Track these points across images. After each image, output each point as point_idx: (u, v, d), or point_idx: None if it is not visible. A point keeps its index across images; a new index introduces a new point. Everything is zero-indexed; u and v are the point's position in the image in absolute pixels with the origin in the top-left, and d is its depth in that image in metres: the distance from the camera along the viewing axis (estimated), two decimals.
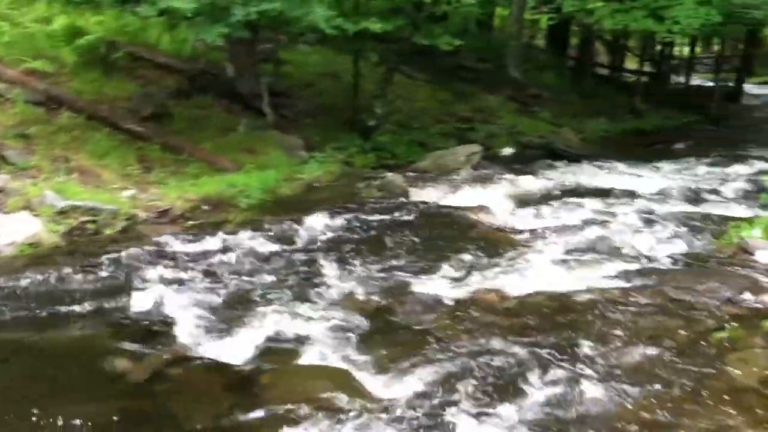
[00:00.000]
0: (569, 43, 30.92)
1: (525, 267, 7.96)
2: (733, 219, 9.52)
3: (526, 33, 28.02)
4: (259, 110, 13.61)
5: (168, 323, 6.43)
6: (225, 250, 8.35)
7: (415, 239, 8.91)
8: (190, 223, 9.48)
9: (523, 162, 15.76)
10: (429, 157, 14.66)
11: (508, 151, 17.16)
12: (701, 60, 41.63)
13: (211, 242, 8.68)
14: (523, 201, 11.60)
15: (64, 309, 6.70)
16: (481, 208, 10.38)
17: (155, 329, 6.31)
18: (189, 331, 6.24)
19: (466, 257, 8.29)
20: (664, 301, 6.59)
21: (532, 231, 9.62)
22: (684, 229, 9.45)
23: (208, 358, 5.83)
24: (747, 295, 6.66)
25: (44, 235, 8.22)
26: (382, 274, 7.68)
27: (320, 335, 6.19)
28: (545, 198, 11.82)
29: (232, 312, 6.62)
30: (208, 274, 7.61)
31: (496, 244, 8.80)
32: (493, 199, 11.30)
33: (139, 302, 6.85)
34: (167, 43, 14.66)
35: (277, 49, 16.63)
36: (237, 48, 13.82)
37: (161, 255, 8.18)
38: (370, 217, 9.82)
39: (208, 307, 6.71)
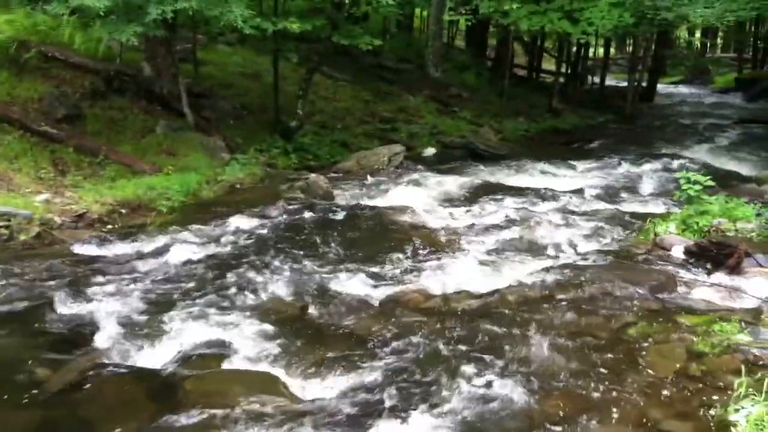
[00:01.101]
0: (488, 44, 31.36)
1: (448, 266, 8.02)
2: (649, 215, 9.76)
3: (446, 34, 28.28)
4: (178, 111, 13.39)
5: (88, 330, 6.24)
6: (145, 254, 8.21)
7: (339, 240, 8.88)
8: (108, 227, 9.29)
9: (445, 161, 15.92)
10: (352, 157, 14.68)
11: (430, 151, 17.31)
12: (616, 61, 42.81)
13: (131, 247, 8.53)
14: (446, 200, 11.71)
15: None
16: (405, 208, 10.42)
17: (74, 337, 6.12)
18: (109, 338, 6.08)
19: (390, 257, 8.31)
20: (584, 298, 6.71)
21: (455, 230, 9.70)
22: (602, 226, 9.67)
23: (130, 365, 5.70)
24: (663, 290, 6.83)
25: None
26: (305, 276, 7.63)
27: (244, 339, 6.11)
28: (467, 197, 11.95)
29: (154, 317, 6.47)
30: (128, 279, 7.43)
31: (420, 243, 8.84)
32: (416, 199, 11.37)
33: (57, 309, 6.65)
34: (81, 42, 14.27)
35: (196, 49, 16.41)
36: (154, 47, 13.57)
37: (79, 260, 7.99)
38: (294, 219, 9.77)
39: (128, 313, 6.55)
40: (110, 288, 7.14)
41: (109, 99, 13.22)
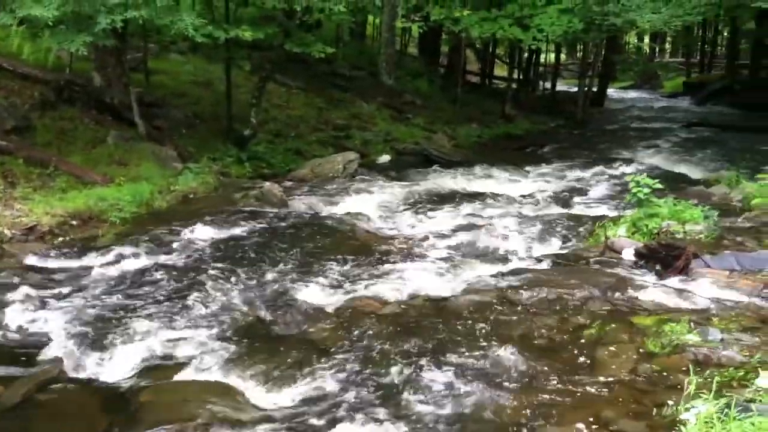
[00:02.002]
0: (440, 51, 31.58)
1: (404, 272, 8.05)
2: (600, 219, 9.90)
3: (399, 41, 28.40)
4: (129, 121, 13.25)
5: (40, 344, 6.17)
6: (97, 266, 8.11)
7: (295, 249, 8.87)
8: (60, 239, 9.15)
9: (399, 168, 15.98)
10: (306, 165, 14.67)
11: (384, 158, 17.38)
12: (567, 66, 43.43)
13: (83, 259, 8.44)
14: (401, 207, 11.75)
15: None
16: (360, 216, 10.46)
17: (27, 351, 6.05)
18: (62, 351, 6.01)
19: (347, 265, 8.32)
20: (538, 301, 6.80)
21: (410, 236, 9.76)
22: (554, 230, 9.79)
23: (83, 378, 5.64)
24: (615, 292, 6.94)
25: None
26: (261, 285, 7.61)
27: (199, 349, 6.08)
28: (422, 204, 12.01)
29: (108, 329, 6.40)
30: (81, 291, 7.36)
31: (376, 250, 8.88)
32: (371, 206, 11.42)
33: (8, 323, 6.56)
34: (29, 53, 14.06)
35: (147, 58, 16.27)
36: (104, 57, 13.43)
37: (30, 273, 7.89)
38: (248, 228, 9.73)
39: (81, 325, 6.47)
40: (62, 301, 7.07)
41: (59, 109, 13.04)
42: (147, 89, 15.36)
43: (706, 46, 39.87)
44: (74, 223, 9.61)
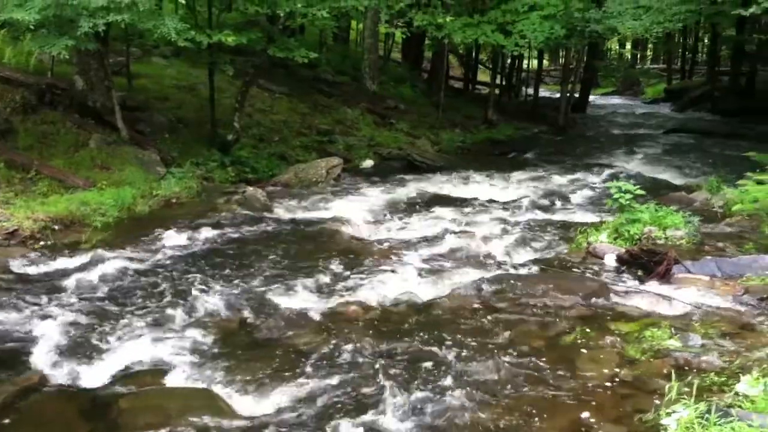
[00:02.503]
0: (424, 57, 31.65)
1: (387, 277, 8.06)
2: (582, 225, 9.97)
3: (383, 46, 28.44)
4: (112, 125, 13.18)
5: (21, 350, 6.11)
6: (79, 271, 8.05)
7: (278, 254, 8.86)
8: (42, 244, 9.08)
9: (383, 173, 15.99)
10: (290, 170, 14.65)
11: (368, 163, 17.38)
12: (549, 72, 43.65)
13: (65, 264, 8.38)
14: (384, 212, 11.76)
15: None
16: (343, 221, 10.46)
17: (7, 357, 5.99)
18: (43, 358, 5.97)
19: (330, 270, 8.31)
20: (520, 306, 6.83)
21: (393, 242, 9.77)
22: (537, 236, 9.84)
23: (64, 385, 5.59)
24: (596, 298, 6.99)
25: None
26: (244, 291, 7.59)
27: (181, 355, 6.05)
28: (405, 209, 12.04)
29: (89, 335, 6.37)
30: (63, 297, 7.30)
31: (359, 255, 8.88)
32: (354, 212, 11.41)
33: None
34: (11, 56, 13.98)
35: (130, 62, 16.20)
36: (86, 61, 13.35)
37: (11, 279, 7.83)
38: (232, 233, 9.72)
39: (63, 331, 6.43)
40: (44, 306, 7.01)
41: (40, 113, 12.95)
42: (130, 93, 15.29)
43: (687, 52, 40.14)
44: (56, 227, 9.54)
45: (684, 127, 25.17)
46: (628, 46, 51.64)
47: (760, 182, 10.51)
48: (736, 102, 28.35)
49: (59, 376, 5.76)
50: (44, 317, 6.74)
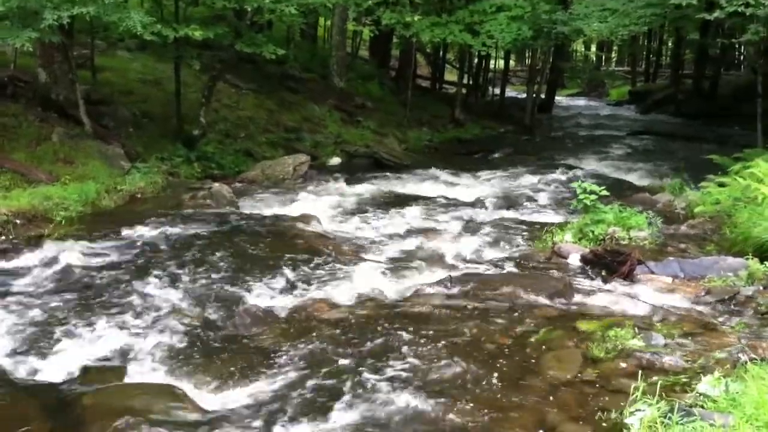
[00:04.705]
0: (391, 55, 31.66)
1: (353, 275, 8.05)
2: (548, 224, 10.04)
3: (350, 44, 28.40)
4: (75, 119, 13.01)
5: None
6: (41, 266, 7.96)
7: (244, 250, 8.81)
8: (2, 238, 8.93)
9: (350, 171, 15.98)
10: (257, 167, 14.59)
11: (335, 160, 17.38)
12: (516, 73, 43.91)
13: (26, 259, 8.27)
14: (351, 210, 11.76)
15: None
16: (310, 218, 10.42)
17: None
18: (2, 353, 5.88)
19: (296, 267, 8.28)
20: (485, 305, 6.86)
21: (359, 239, 9.78)
22: (502, 235, 9.88)
23: (24, 380, 5.52)
24: (561, 297, 7.04)
25: None
26: (209, 287, 7.53)
27: (146, 351, 6.00)
28: (371, 207, 12.04)
29: (51, 331, 6.29)
30: (23, 292, 7.21)
31: (325, 253, 8.85)
32: (321, 209, 11.39)
33: None
34: None
35: (94, 55, 16.00)
36: (50, 53, 13.16)
37: None
38: (197, 229, 9.63)
39: (23, 326, 6.35)
40: (4, 301, 6.91)
41: (2, 106, 12.74)
42: (94, 86, 15.10)
43: (651, 55, 40.69)
44: (18, 222, 9.39)
45: (648, 129, 25.51)
46: (594, 48, 52.14)
47: (721, 185, 10.71)
48: (699, 105, 28.78)
49: (19, 371, 5.68)
50: (3, 312, 6.64)
